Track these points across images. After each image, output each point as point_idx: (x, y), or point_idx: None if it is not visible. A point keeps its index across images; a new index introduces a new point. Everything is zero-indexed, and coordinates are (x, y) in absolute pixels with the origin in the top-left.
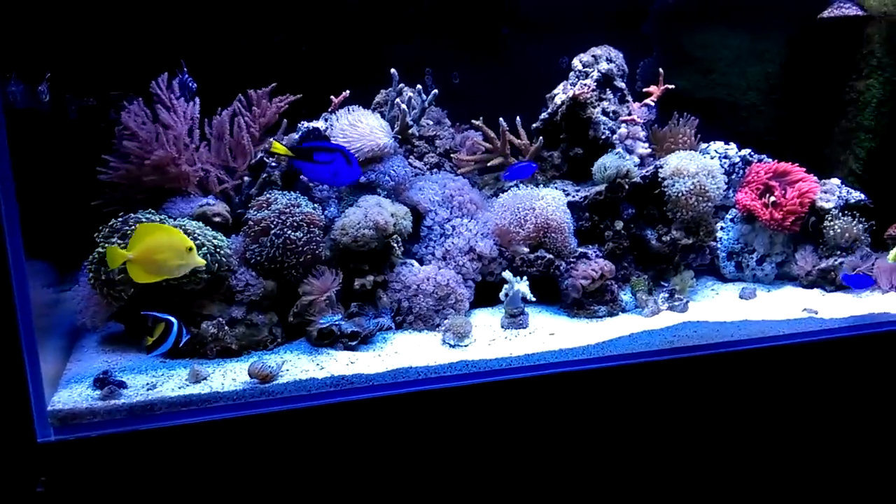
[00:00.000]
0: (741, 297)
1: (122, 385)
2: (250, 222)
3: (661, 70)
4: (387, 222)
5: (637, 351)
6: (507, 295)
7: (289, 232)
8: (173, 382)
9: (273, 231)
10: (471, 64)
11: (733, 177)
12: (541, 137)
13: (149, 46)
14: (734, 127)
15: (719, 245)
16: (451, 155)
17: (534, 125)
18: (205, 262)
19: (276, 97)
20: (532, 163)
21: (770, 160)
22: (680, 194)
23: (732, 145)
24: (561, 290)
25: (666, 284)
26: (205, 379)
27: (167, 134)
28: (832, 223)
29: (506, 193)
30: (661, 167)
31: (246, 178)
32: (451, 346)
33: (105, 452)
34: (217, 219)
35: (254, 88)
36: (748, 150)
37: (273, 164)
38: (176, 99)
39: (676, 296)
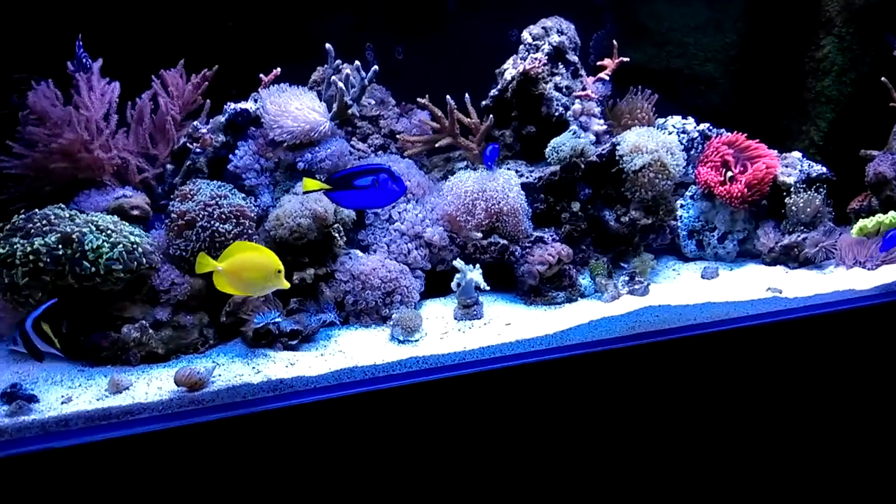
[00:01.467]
0: (703, 276)
1: (33, 399)
2: (173, 215)
3: (615, 42)
4: (326, 211)
5: (598, 339)
6: (458, 285)
7: (216, 224)
8: (91, 394)
9: (198, 224)
10: (416, 38)
11: (692, 152)
12: (490, 116)
13: (59, 24)
14: (692, 100)
15: (679, 223)
16: (397, 136)
17: (483, 102)
18: (288, 284)
19: (195, 75)
20: (495, 144)
21: (729, 134)
22: (639, 172)
23: (690, 119)
24: (517, 277)
25: (626, 266)
26: (126, 388)
27: (79, 116)
28: (794, 198)
29: (454, 176)
30: (619, 144)
31: (169, 166)
32: (399, 341)
33: (13, 475)
34: (135, 212)
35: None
36: (707, 125)
37: (198, 149)
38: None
39: (637, 279)
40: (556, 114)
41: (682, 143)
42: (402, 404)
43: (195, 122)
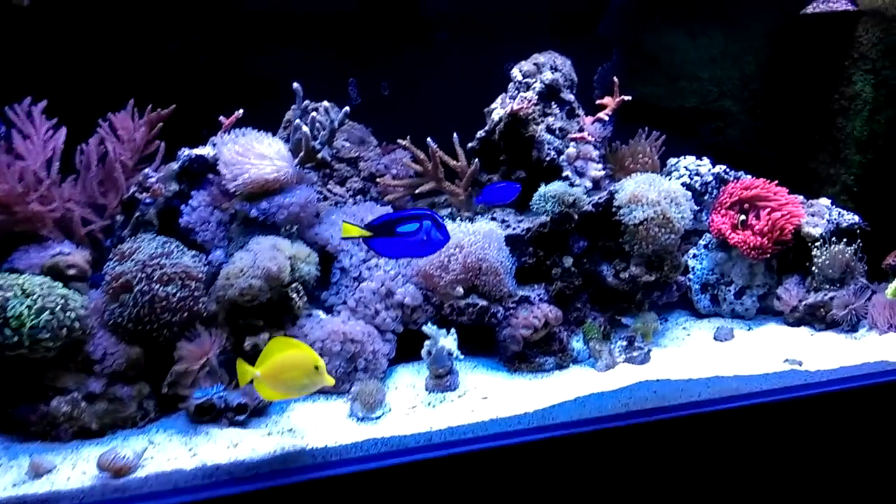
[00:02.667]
0: (716, 338)
1: None
2: (108, 277)
3: (615, 79)
4: (280, 269)
5: (585, 418)
6: (429, 353)
7: (156, 287)
8: (10, 477)
9: (137, 288)
10: (404, 72)
11: (706, 197)
12: (476, 159)
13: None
14: (707, 139)
15: (692, 275)
16: (377, 179)
17: (469, 144)
18: (333, 381)
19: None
20: (514, 183)
21: (748, 177)
22: (638, 225)
23: (705, 160)
24: (498, 342)
25: (628, 325)
26: (48, 472)
27: (14, 165)
28: (821, 252)
29: None
30: (617, 193)
31: (119, 217)
32: (359, 418)
33: None
34: (72, 271)
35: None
36: (723, 167)
37: (148, 200)
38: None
39: (637, 343)
40: (548, 158)
41: (695, 187)
42: (355, 493)
43: (147, 170)
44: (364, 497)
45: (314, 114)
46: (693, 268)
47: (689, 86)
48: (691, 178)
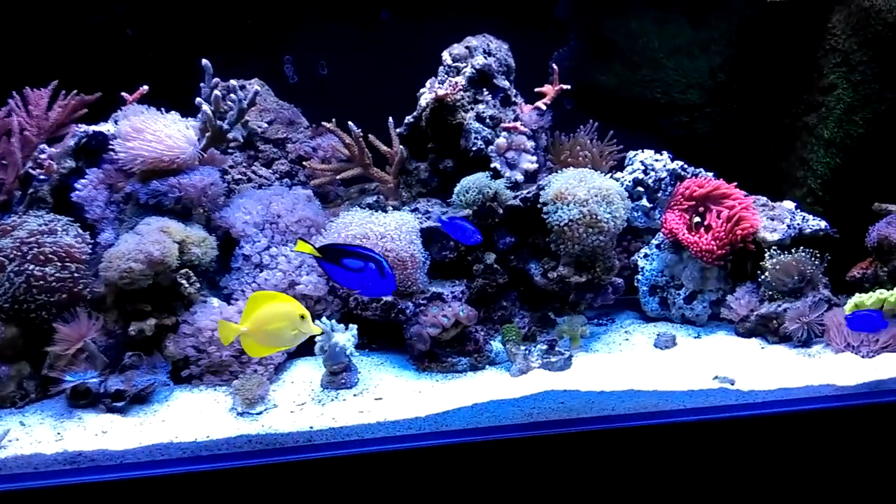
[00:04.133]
0: (656, 346)
1: None
2: None
3: (554, 67)
4: (164, 253)
5: (481, 426)
6: (323, 349)
7: (31, 268)
8: None
9: (10, 267)
10: (343, 50)
11: (659, 194)
12: (401, 147)
13: None
14: (671, 132)
15: (640, 276)
16: (304, 163)
17: (398, 130)
18: (321, 329)
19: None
20: (476, 228)
21: (707, 174)
22: (564, 225)
23: (664, 155)
24: (406, 340)
25: (560, 322)
26: None
27: None
28: (771, 260)
29: (341, 216)
30: (543, 189)
31: (17, 193)
32: (238, 413)
33: None
34: None
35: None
36: (680, 163)
37: (42, 176)
38: None
39: (558, 348)
40: (474, 148)
41: (647, 183)
42: (221, 492)
43: (42, 146)
44: (230, 497)
45: (217, 91)
46: (642, 268)
47: (652, 75)
48: (645, 174)
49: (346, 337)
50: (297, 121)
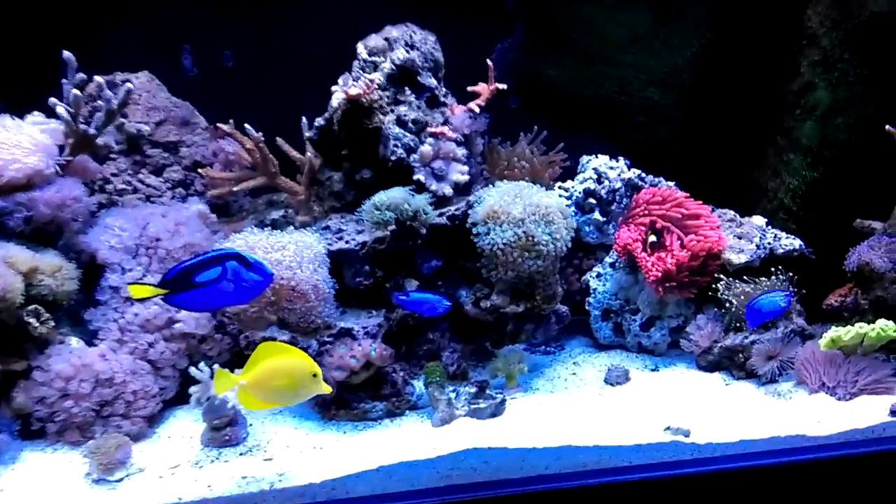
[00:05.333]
0: (607, 381)
1: None
2: None
3: (490, 63)
4: (4, 289)
5: (390, 492)
6: (199, 400)
7: None
8: None
9: None
10: (253, 39)
11: (613, 206)
12: (309, 154)
13: None
14: (630, 136)
15: (592, 299)
16: (200, 170)
17: (307, 134)
18: (331, 389)
19: None
20: (443, 297)
21: (668, 184)
22: (496, 248)
23: (620, 162)
24: None
25: (496, 357)
26: None
27: None
28: (731, 287)
29: (231, 238)
30: (473, 207)
31: None
32: (94, 481)
33: None
34: None
35: None
36: (637, 172)
37: None
38: None
39: (490, 390)
40: (394, 157)
41: (600, 195)
42: None
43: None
44: None
45: (75, 91)
46: (594, 289)
47: (608, 71)
48: (598, 183)
49: None
50: (194, 121)
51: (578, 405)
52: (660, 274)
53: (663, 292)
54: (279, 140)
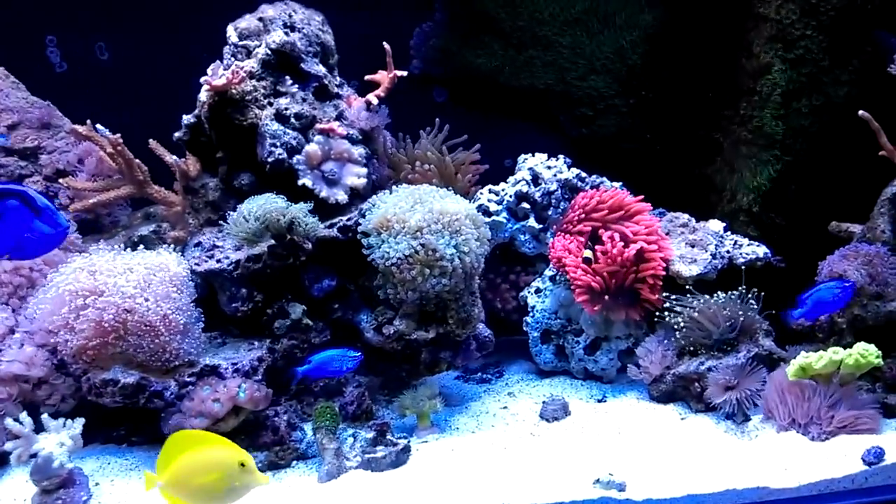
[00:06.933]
0: (542, 416)
1: None
2: None
3: (387, 47)
4: None
5: None
6: (19, 458)
7: None
8: None
9: None
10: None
11: (550, 212)
12: (174, 158)
13: None
14: (571, 131)
15: (530, 318)
16: (61, 180)
17: (176, 134)
18: (268, 479)
19: None
20: (351, 349)
21: (613, 185)
22: (391, 264)
23: (559, 160)
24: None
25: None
26: None
27: None
28: (678, 307)
29: (70, 263)
30: (365, 215)
31: None
32: None
33: None
34: None
35: None
36: (576, 172)
37: None
38: None
39: (390, 436)
40: (271, 159)
41: (534, 198)
42: None
43: None
44: None
45: None
46: (532, 307)
47: (543, 56)
48: (532, 185)
49: (56, 440)
50: (56, 123)
51: (502, 449)
52: (586, 288)
53: (597, 310)
54: (152, 142)
